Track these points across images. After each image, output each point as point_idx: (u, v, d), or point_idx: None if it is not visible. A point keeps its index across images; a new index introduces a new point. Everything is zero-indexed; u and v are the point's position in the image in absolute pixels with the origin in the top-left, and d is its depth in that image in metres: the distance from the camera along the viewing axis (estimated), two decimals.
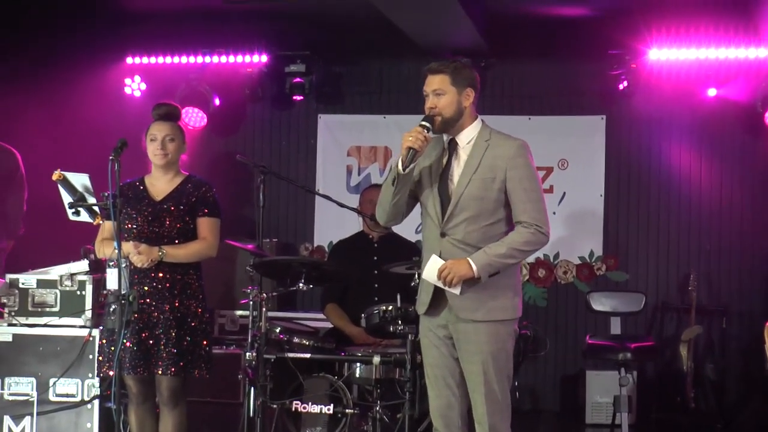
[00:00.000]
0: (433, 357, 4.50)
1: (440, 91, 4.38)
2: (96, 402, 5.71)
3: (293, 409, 5.67)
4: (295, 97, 7.98)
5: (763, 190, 7.67)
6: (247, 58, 7.90)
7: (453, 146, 4.47)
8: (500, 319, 4.40)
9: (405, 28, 7.09)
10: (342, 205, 6.16)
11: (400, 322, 5.45)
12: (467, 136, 4.46)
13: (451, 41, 7.31)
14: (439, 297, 4.42)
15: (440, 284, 4.33)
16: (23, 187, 6.62)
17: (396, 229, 6.24)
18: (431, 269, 4.34)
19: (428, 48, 7.39)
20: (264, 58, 7.89)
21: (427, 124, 4.33)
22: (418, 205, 4.59)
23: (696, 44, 7.30)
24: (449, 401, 4.49)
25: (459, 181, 4.40)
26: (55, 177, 4.96)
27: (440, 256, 4.36)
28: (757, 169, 7.68)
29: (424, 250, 4.51)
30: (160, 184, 5.24)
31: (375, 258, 6.33)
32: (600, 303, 7.55)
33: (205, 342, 5.18)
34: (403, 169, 4.32)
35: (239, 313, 7.23)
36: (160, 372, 5.06)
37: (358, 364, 5.71)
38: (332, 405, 5.64)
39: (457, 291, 4.32)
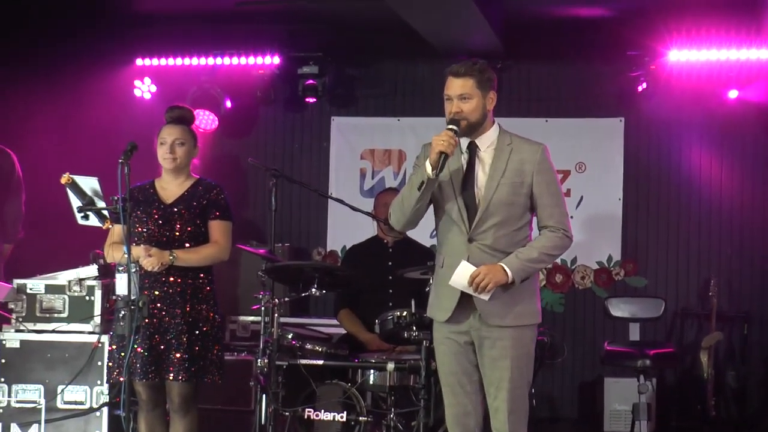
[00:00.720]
0: (450, 364, 4.49)
1: (466, 95, 4.37)
2: (105, 409, 5.73)
3: (306, 416, 5.68)
4: (307, 100, 7.93)
5: None
6: (259, 60, 7.86)
7: (473, 150, 4.45)
8: (526, 324, 4.43)
9: (420, 30, 7.05)
10: (355, 209, 6.14)
11: (414, 328, 5.45)
12: (488, 140, 4.46)
13: (466, 42, 7.27)
14: (463, 303, 4.39)
15: (470, 290, 4.31)
16: (21, 190, 6.61)
17: (410, 233, 6.23)
18: (462, 274, 4.31)
19: (443, 49, 7.36)
20: (276, 60, 7.85)
21: (455, 128, 4.32)
22: (430, 209, 4.57)
23: (716, 45, 7.23)
24: (466, 409, 4.49)
25: (487, 185, 4.39)
26: (63, 180, 4.96)
27: (468, 262, 4.33)
28: None
29: (447, 255, 4.47)
30: (170, 187, 5.23)
31: (389, 263, 6.31)
32: (618, 309, 7.50)
33: (216, 348, 5.18)
34: (435, 175, 4.29)
35: (250, 319, 7.22)
36: (171, 378, 5.04)
37: (372, 371, 5.72)
38: (345, 412, 5.66)
39: (486, 297, 4.31)
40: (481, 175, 4.41)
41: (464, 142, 4.45)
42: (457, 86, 4.38)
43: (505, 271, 4.29)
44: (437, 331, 4.55)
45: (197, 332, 5.09)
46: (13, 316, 5.85)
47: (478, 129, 4.42)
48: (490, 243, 4.36)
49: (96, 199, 5.00)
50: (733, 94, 7.37)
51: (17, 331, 5.83)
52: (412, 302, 5.46)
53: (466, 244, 4.38)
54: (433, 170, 4.27)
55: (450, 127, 4.31)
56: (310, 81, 7.86)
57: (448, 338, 4.47)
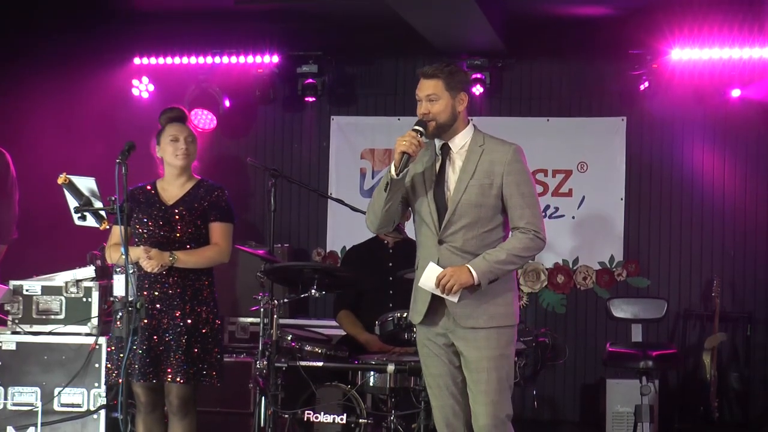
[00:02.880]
0: (434, 366, 4.50)
1: (434, 96, 4.39)
2: (102, 412, 5.73)
3: (305, 418, 5.67)
4: (307, 99, 7.92)
5: None
6: (258, 59, 7.85)
7: (446, 151, 4.47)
8: (501, 325, 4.41)
9: (420, 29, 7.05)
10: (355, 210, 6.13)
11: (414, 329, 5.40)
12: (460, 141, 4.47)
13: (467, 42, 7.28)
14: (436, 305, 4.40)
15: (437, 292, 4.32)
16: (15, 190, 6.58)
17: (411, 234, 6.22)
18: (429, 277, 4.34)
19: (444, 48, 7.35)
20: (275, 59, 7.84)
21: (421, 129, 4.34)
22: None
23: (719, 44, 7.22)
24: (454, 410, 4.50)
25: (455, 187, 4.40)
26: (60, 181, 4.95)
27: (438, 264, 4.36)
28: None
29: (421, 257, 4.50)
30: (172, 188, 5.23)
31: (390, 264, 6.30)
32: (621, 310, 7.47)
33: (216, 350, 5.17)
34: (397, 175, 4.32)
35: (249, 320, 7.21)
36: (169, 379, 5.04)
37: (372, 373, 5.71)
38: (345, 415, 5.65)
39: (455, 299, 4.32)
40: (452, 177, 4.43)
41: (439, 143, 4.47)
42: (425, 87, 4.40)
43: (470, 272, 4.28)
44: (418, 334, 4.57)
45: (196, 334, 5.08)
46: (9, 317, 5.84)
47: (448, 130, 4.43)
48: (459, 245, 4.37)
49: (93, 200, 4.99)
50: (735, 92, 7.36)
51: (13, 333, 5.83)
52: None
53: (436, 246, 4.40)
54: (396, 170, 4.29)
55: (415, 128, 4.33)
56: (310, 80, 7.86)
57: (429, 340, 4.49)
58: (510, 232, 4.45)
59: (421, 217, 4.46)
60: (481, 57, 7.54)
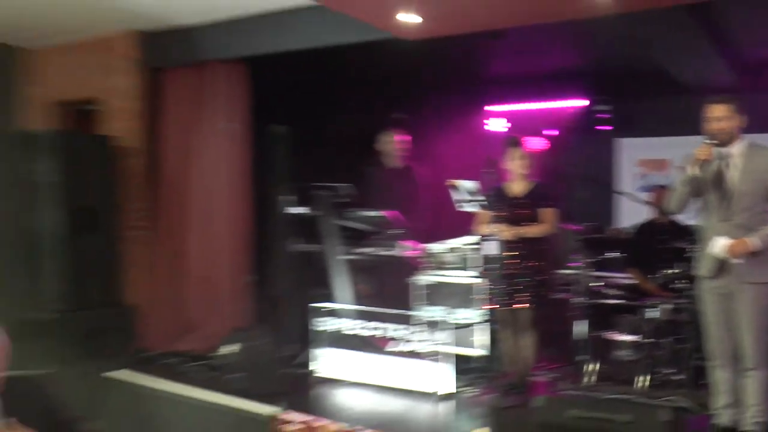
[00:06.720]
0: (714, 312, 4.50)
1: (722, 117, 4.40)
2: (485, 325, 5.70)
3: (608, 337, 5.68)
4: (599, 128, 7.79)
5: None
6: (570, 103, 7.86)
7: (727, 156, 4.46)
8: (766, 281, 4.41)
9: (675, 74, 6.84)
10: (636, 200, 6.15)
11: (683, 281, 5.39)
12: (738, 148, 4.46)
13: (708, 81, 6.93)
14: (721, 266, 4.42)
15: (725, 257, 4.38)
16: (418, 194, 6.67)
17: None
18: (719, 246, 4.38)
19: (693, 89, 6.98)
20: (583, 102, 7.88)
21: (711, 142, 4.39)
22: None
23: None
24: (723, 341, 4.49)
25: (740, 180, 4.42)
26: (448, 184, 5.45)
27: (724, 236, 4.39)
28: None
29: (708, 230, 4.49)
30: (516, 187, 5.45)
31: (665, 237, 6.07)
32: None
33: (548, 289, 5.32)
34: (695, 174, 4.42)
35: (569, 272, 7.15)
36: (519, 306, 5.27)
37: (652, 310, 5.57)
38: (635, 336, 5.60)
39: (741, 260, 4.37)
40: (736, 174, 4.42)
41: (722, 150, 4.45)
42: (717, 110, 4.40)
43: (751, 242, 4.32)
44: (704, 285, 4.53)
45: (538, 278, 5.29)
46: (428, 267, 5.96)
47: (730, 142, 4.42)
48: (739, 222, 4.38)
49: (470, 195, 5.42)
50: None
51: (430, 275, 5.92)
52: (678, 263, 5.41)
53: (722, 223, 4.42)
54: (695, 171, 4.39)
55: (707, 141, 4.38)
56: (603, 114, 7.84)
57: (711, 290, 4.49)
58: None
59: (711, 202, 4.46)
60: (721, 93, 7.06)
